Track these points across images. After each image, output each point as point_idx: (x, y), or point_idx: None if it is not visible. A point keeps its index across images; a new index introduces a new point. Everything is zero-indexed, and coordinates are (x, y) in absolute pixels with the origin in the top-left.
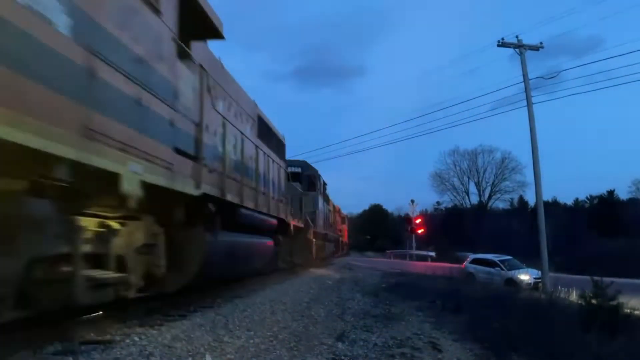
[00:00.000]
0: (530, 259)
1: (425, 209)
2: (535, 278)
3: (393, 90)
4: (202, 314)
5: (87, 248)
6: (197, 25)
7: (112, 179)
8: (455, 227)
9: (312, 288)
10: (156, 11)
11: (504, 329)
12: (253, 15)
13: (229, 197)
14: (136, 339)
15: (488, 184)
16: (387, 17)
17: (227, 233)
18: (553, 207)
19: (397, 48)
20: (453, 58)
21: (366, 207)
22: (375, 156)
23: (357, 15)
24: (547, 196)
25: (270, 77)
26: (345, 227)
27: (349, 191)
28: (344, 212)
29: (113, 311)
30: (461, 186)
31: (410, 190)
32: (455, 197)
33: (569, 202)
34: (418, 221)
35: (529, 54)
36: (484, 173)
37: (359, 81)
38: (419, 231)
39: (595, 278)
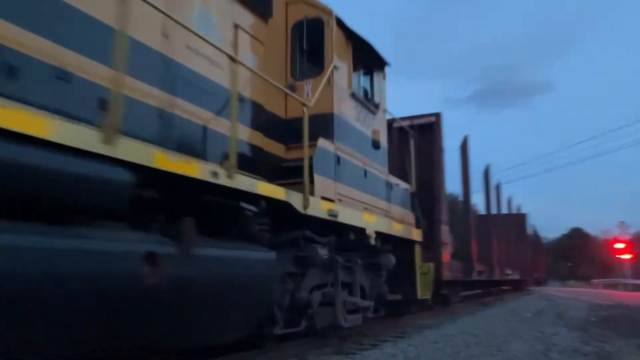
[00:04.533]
0: None
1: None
2: None
3: (583, 103)
4: (394, 343)
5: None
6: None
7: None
8: None
9: (507, 320)
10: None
11: None
12: (431, 45)
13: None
14: None
15: None
16: (572, 30)
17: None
18: None
19: (586, 60)
20: None
21: (565, 231)
22: (572, 175)
23: (538, 32)
24: None
25: (450, 102)
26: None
27: (544, 214)
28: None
29: (306, 338)
30: None
31: (618, 211)
32: None
33: None
34: (621, 245)
35: None
36: None
37: (544, 98)
38: (625, 256)
39: None
